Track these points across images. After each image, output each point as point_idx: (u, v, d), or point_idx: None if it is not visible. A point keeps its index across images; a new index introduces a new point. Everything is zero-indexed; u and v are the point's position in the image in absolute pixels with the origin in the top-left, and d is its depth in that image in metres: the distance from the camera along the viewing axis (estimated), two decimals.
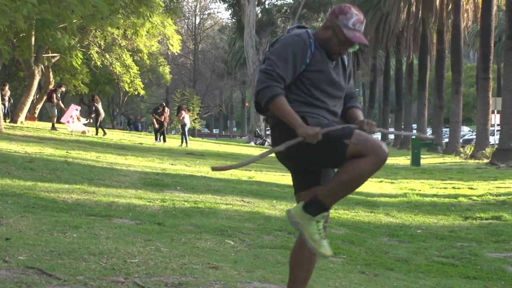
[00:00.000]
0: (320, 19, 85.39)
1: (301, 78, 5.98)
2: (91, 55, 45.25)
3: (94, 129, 42.57)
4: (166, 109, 45.10)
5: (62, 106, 42.80)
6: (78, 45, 43.31)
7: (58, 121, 42.76)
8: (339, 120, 6.23)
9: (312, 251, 5.89)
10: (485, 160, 40.52)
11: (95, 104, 42.25)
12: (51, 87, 43.88)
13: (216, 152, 38.65)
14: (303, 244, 6.07)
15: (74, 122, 42.16)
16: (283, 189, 19.91)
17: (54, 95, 41.30)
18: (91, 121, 43.85)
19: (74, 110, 43.05)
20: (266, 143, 64.17)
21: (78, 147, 28.69)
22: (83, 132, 41.27)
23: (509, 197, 20.54)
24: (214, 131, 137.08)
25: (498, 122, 46.41)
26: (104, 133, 41.89)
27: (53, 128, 40.46)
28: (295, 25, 6.45)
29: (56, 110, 41.75)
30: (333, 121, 6.11)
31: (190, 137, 44.21)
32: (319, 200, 5.90)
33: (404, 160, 41.80)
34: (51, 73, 45.45)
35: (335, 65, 6.15)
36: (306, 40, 5.98)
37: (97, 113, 42.31)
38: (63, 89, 45.02)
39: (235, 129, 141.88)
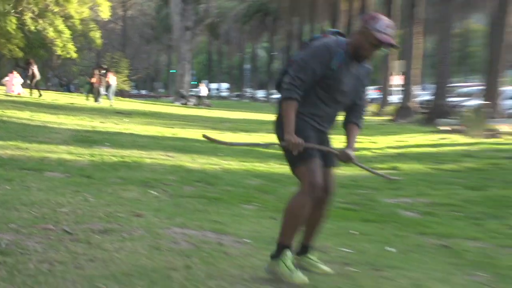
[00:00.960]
0: None
1: (319, 81, 6.09)
2: (25, 21, 44.70)
3: (28, 90, 42.14)
4: (96, 71, 45.38)
5: None
6: (13, 11, 42.75)
7: None
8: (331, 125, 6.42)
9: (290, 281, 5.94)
10: (387, 117, 41.11)
11: (31, 67, 41.98)
12: None
13: (142, 111, 38.48)
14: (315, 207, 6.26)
15: (16, 86, 42.06)
16: (203, 144, 19.93)
17: None
18: (28, 82, 43.18)
19: (14, 79, 43.10)
20: (189, 102, 63.80)
21: (13, 107, 28.35)
22: (18, 94, 40.99)
23: (405, 149, 20.90)
24: (142, 92, 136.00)
25: (398, 83, 46.94)
26: (40, 95, 41.35)
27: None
28: (335, 30, 6.58)
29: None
30: (324, 128, 6.31)
31: (120, 98, 44.02)
32: (277, 243, 6.16)
33: None
34: None
35: (356, 70, 6.20)
36: (334, 52, 6.08)
37: (33, 76, 42.00)
38: None
39: (161, 90, 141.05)
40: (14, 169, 11.58)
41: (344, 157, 6.19)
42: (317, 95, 6.16)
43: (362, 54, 6.04)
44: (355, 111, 6.40)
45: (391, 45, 6.07)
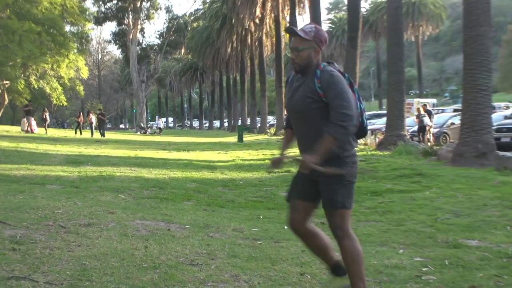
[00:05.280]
0: (177, 53, 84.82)
1: None
2: (31, 82, 44.53)
3: (42, 129, 41.88)
4: (81, 113, 45.97)
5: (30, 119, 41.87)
6: (22, 75, 42.47)
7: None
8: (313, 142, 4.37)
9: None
10: (282, 137, 41.07)
11: (45, 114, 42.41)
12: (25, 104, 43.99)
13: (114, 140, 38.10)
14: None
15: (35, 128, 41.87)
16: (157, 161, 19.81)
17: (28, 110, 41.04)
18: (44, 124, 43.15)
19: (33, 121, 42.86)
20: (147, 132, 63.32)
21: (25, 140, 27.81)
22: (33, 131, 40.94)
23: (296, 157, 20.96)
24: (112, 126, 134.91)
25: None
26: (46, 132, 40.91)
27: (27, 131, 40.09)
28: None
29: (31, 118, 41.24)
30: (306, 147, 4.46)
31: (97, 131, 43.72)
32: None
33: (233, 139, 42.10)
34: (5, 94, 44.41)
35: (300, 84, 4.45)
36: (290, 76, 4.70)
37: (45, 120, 42.23)
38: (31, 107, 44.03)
39: (128, 124, 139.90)
40: (25, 184, 11.35)
41: (301, 162, 4.34)
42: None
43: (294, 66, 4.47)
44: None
45: (288, 32, 4.66)
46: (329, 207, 4.39)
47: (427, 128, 27.63)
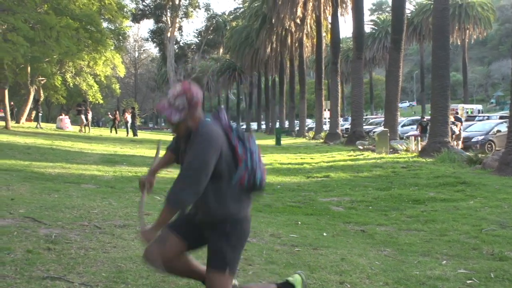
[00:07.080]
0: (215, 52, 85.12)
1: None
2: (67, 78, 45.13)
3: (83, 128, 42.10)
4: (116, 112, 46.53)
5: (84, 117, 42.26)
6: (58, 72, 43.09)
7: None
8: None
9: None
10: (321, 140, 41.06)
11: (88, 113, 42.39)
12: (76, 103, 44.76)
13: (149, 139, 38.35)
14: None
15: (68, 126, 42.51)
16: None
17: (80, 110, 41.45)
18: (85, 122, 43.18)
19: (67, 119, 44.23)
20: None
21: (60, 138, 28.19)
22: (66, 128, 41.60)
23: (334, 163, 20.86)
24: (149, 125, 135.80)
25: (328, 116, 46.79)
26: (89, 131, 41.45)
27: (80, 130, 40.48)
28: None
29: (84, 118, 41.56)
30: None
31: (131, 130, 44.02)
32: None
33: (271, 142, 42.04)
34: (41, 90, 45.30)
35: (185, 147, 3.89)
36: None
37: (87, 118, 42.12)
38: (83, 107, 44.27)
39: (163, 124, 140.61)
40: (60, 183, 11.48)
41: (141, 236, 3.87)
42: None
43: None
44: None
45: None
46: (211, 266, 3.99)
47: (454, 136, 27.45)
